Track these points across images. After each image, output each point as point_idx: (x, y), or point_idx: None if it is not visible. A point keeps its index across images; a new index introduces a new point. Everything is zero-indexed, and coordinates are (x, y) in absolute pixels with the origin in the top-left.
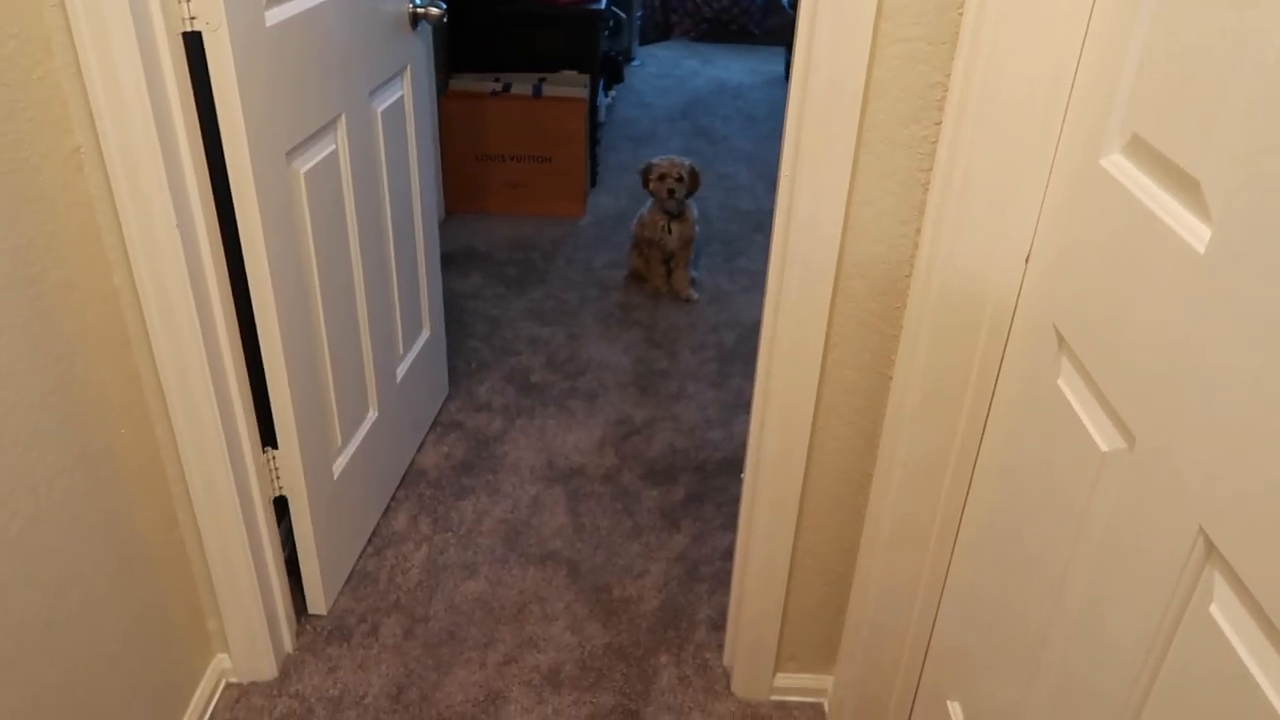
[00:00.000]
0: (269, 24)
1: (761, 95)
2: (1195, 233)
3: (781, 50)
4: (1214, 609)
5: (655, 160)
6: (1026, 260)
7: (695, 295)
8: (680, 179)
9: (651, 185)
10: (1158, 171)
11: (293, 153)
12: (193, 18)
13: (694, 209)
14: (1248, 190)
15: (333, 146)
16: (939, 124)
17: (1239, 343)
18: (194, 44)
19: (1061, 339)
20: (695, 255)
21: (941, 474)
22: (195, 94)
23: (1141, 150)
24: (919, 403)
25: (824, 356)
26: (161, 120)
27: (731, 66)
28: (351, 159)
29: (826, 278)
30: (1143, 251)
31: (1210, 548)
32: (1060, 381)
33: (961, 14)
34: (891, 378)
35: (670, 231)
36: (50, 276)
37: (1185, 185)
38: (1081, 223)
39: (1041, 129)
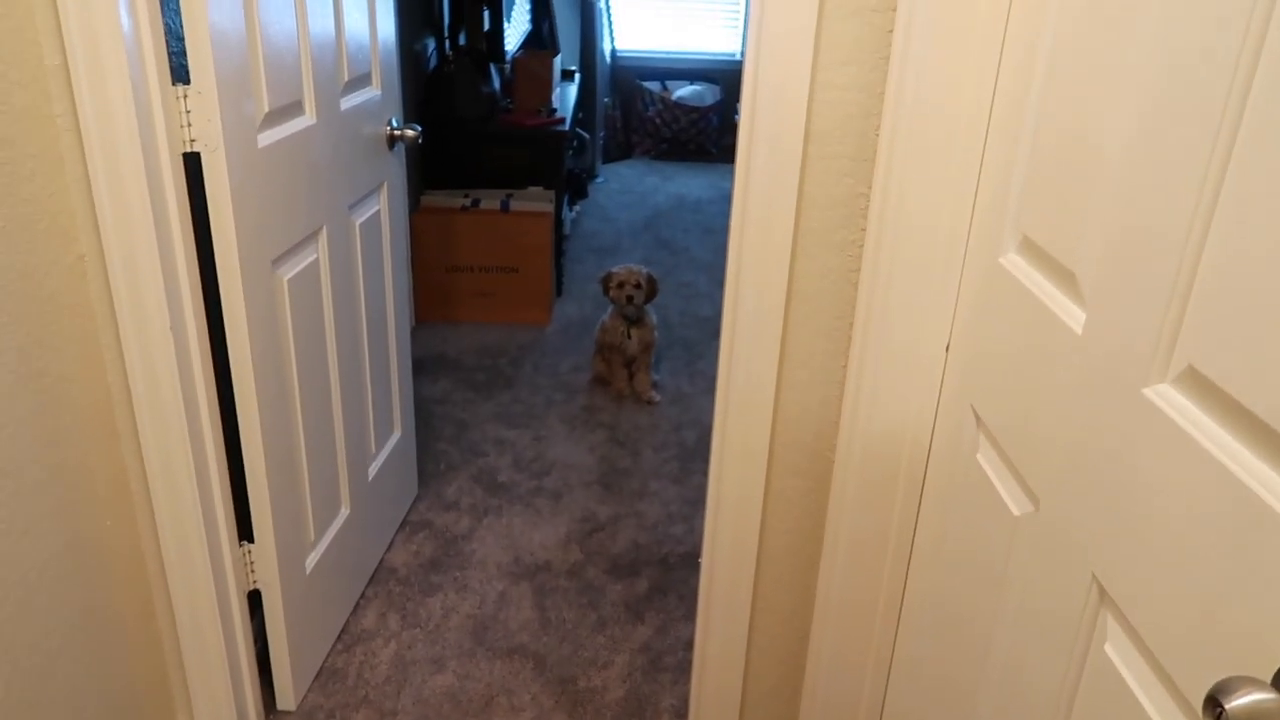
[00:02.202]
0: (261, 145)
1: (719, 209)
2: (1074, 317)
3: None
4: (1108, 648)
5: (614, 269)
6: (947, 348)
7: (657, 397)
8: (638, 285)
9: (611, 293)
10: (1043, 266)
11: (278, 261)
12: (193, 140)
13: (653, 315)
14: (1108, 277)
15: (314, 255)
16: (864, 230)
17: (1112, 409)
18: (192, 163)
19: (979, 417)
20: (656, 359)
21: (882, 553)
22: (191, 206)
23: (1030, 249)
24: (857, 490)
25: (770, 454)
26: (162, 231)
27: (690, 183)
28: (331, 267)
29: (770, 374)
30: (1035, 335)
31: (1103, 593)
32: (979, 455)
33: (878, 135)
34: (833, 460)
35: (630, 337)
36: (52, 372)
37: (1064, 277)
38: (988, 312)
39: (950, 232)
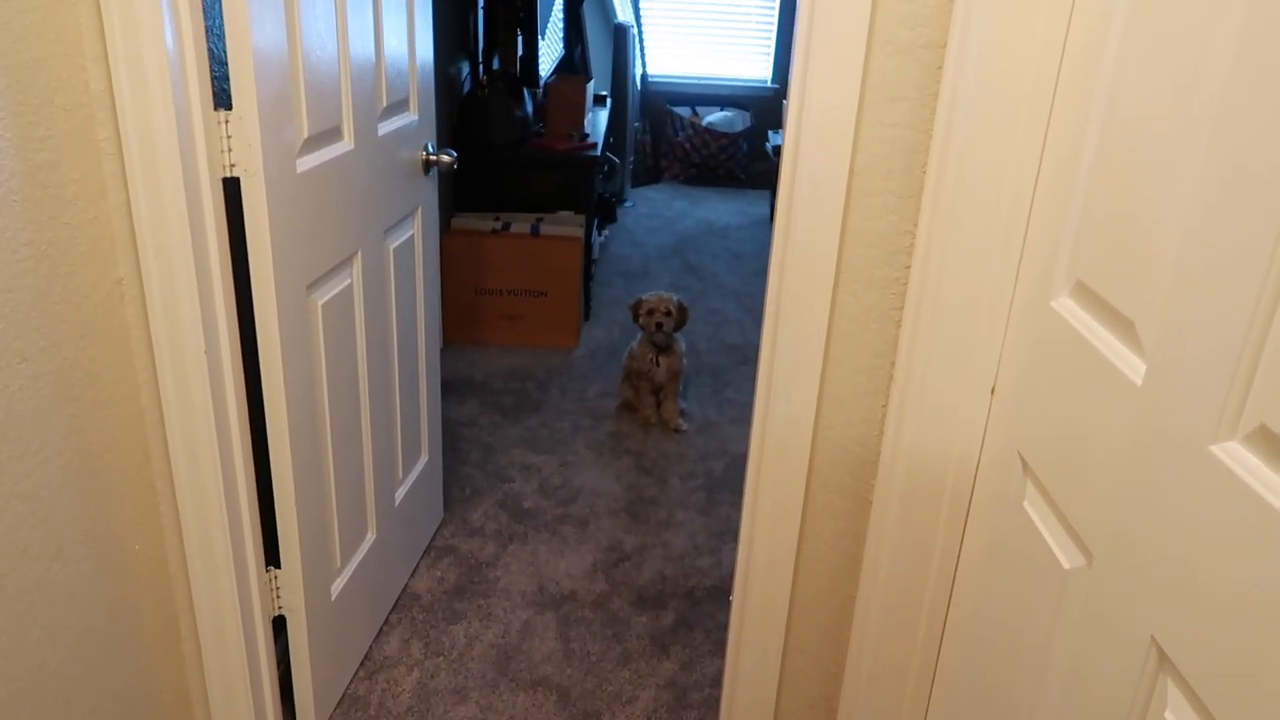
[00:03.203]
0: (299, 170)
1: (748, 235)
2: (1133, 367)
3: (767, 194)
4: (1169, 716)
5: (645, 296)
6: (992, 391)
7: (684, 425)
8: (668, 313)
9: (641, 319)
10: (1099, 312)
11: (312, 285)
12: (233, 165)
13: (682, 343)
14: (1171, 327)
15: (348, 280)
16: (909, 268)
17: (1175, 465)
18: (231, 187)
19: (1025, 464)
20: (684, 386)
21: (918, 607)
22: (228, 230)
23: (1084, 294)
24: (896, 535)
25: (805, 494)
26: (200, 256)
27: (719, 208)
28: (365, 292)
29: (808, 413)
30: (1090, 384)
31: (1162, 656)
32: (1026, 503)
33: (924, 173)
34: (871, 501)
35: (659, 364)
36: (87, 396)
37: (1122, 325)
38: (1037, 358)
39: (999, 273)
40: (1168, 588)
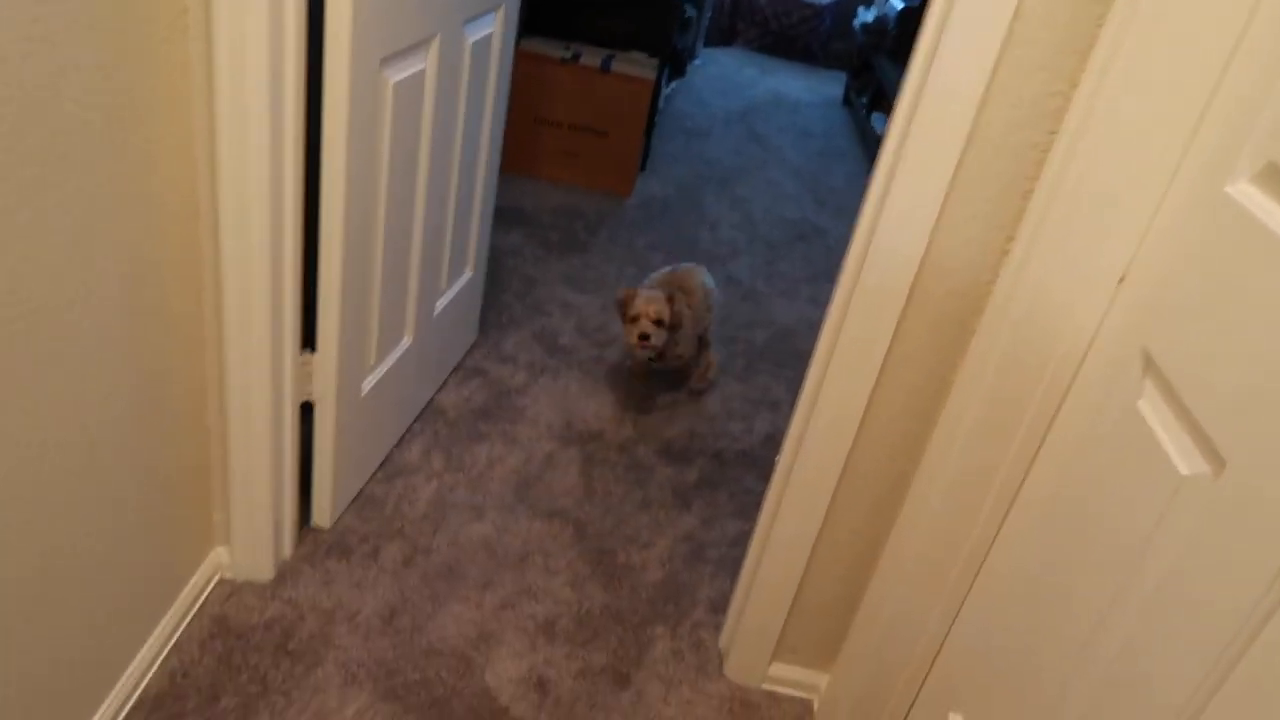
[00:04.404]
0: None
1: (818, 114)
2: None
3: (842, 75)
4: None
5: (635, 291)
6: (1120, 281)
7: (704, 385)
8: (659, 321)
9: (625, 326)
10: None
11: (387, 61)
12: None
13: (707, 278)
14: None
15: (422, 65)
16: (1052, 133)
17: None
18: None
19: (1149, 360)
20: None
21: (984, 493)
22: None
23: (1275, 178)
24: (977, 415)
25: (888, 351)
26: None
27: (790, 82)
28: (438, 81)
29: (908, 271)
30: (1268, 275)
31: None
32: (1141, 403)
33: (1100, 25)
34: (952, 384)
35: (661, 359)
36: (139, 132)
37: None
38: (1194, 245)
39: (1164, 150)
40: None
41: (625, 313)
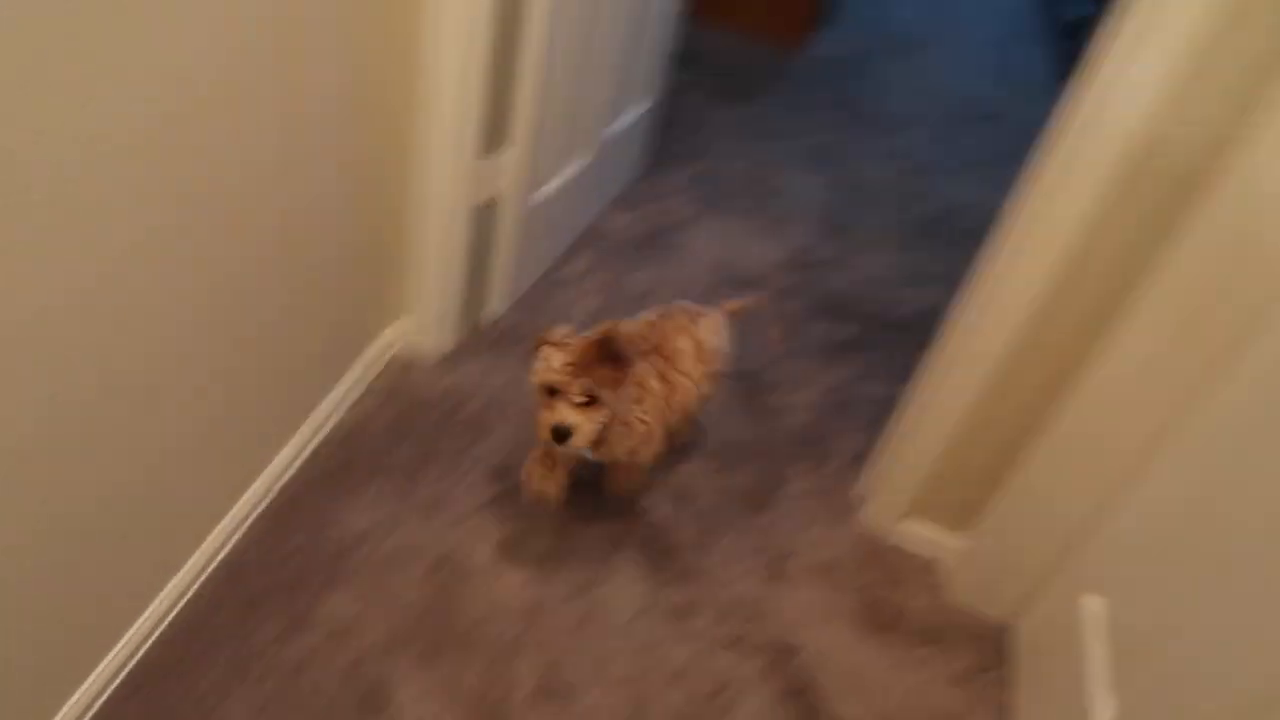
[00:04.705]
0: None
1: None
2: None
3: None
4: None
5: (559, 336)
6: None
7: (624, 492)
8: (593, 400)
9: (536, 401)
10: None
11: None
12: None
13: (709, 335)
14: None
15: None
16: None
17: None
18: None
19: None
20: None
21: (1176, 383)
22: None
23: None
24: (1186, 305)
25: (1091, 223)
26: None
27: None
28: None
29: (1124, 144)
30: None
31: None
32: None
33: None
34: (1156, 266)
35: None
36: None
37: None
38: None
39: None
40: None
41: (539, 377)
